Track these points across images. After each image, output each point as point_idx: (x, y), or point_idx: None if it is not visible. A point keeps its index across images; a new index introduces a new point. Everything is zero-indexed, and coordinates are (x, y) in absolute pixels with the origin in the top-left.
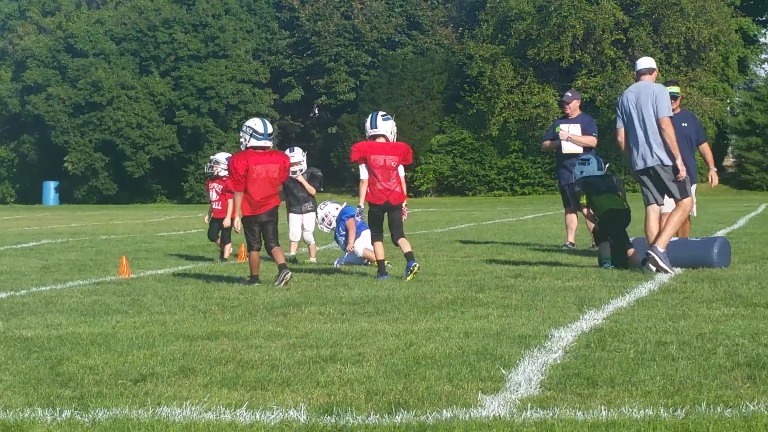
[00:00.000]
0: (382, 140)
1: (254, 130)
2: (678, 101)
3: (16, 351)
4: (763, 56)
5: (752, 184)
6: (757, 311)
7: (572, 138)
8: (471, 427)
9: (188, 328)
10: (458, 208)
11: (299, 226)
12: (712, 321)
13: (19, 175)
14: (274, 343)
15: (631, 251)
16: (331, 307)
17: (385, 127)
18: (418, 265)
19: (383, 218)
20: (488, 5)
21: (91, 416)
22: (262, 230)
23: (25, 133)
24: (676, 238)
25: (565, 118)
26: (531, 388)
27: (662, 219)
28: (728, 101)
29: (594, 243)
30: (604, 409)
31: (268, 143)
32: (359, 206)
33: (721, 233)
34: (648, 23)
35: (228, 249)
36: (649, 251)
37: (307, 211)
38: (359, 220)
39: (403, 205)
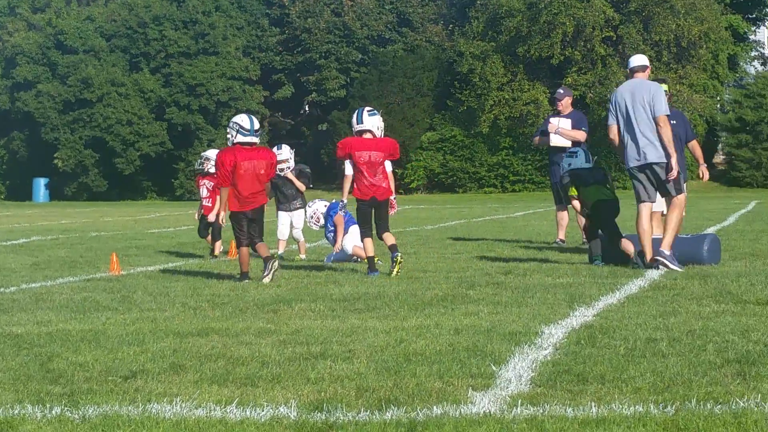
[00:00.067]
0: (368, 136)
1: (241, 126)
2: (667, 99)
3: (5, 348)
4: (753, 53)
5: (742, 181)
6: (747, 308)
7: (561, 131)
8: (461, 423)
9: (178, 324)
10: (449, 205)
11: (288, 225)
12: (702, 318)
13: (8, 171)
14: (264, 340)
15: (623, 241)
16: (322, 303)
17: (372, 122)
18: (400, 254)
19: (371, 214)
20: (478, 2)
21: (81, 413)
22: (248, 227)
23: (14, 129)
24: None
25: (557, 115)
26: (521, 384)
27: (653, 216)
28: (718, 99)
29: (585, 239)
30: (594, 406)
31: (255, 139)
32: (342, 200)
33: (711, 230)
34: (638, 20)
35: (218, 246)
36: (657, 257)
37: (296, 209)
38: (343, 213)
39: (392, 198)
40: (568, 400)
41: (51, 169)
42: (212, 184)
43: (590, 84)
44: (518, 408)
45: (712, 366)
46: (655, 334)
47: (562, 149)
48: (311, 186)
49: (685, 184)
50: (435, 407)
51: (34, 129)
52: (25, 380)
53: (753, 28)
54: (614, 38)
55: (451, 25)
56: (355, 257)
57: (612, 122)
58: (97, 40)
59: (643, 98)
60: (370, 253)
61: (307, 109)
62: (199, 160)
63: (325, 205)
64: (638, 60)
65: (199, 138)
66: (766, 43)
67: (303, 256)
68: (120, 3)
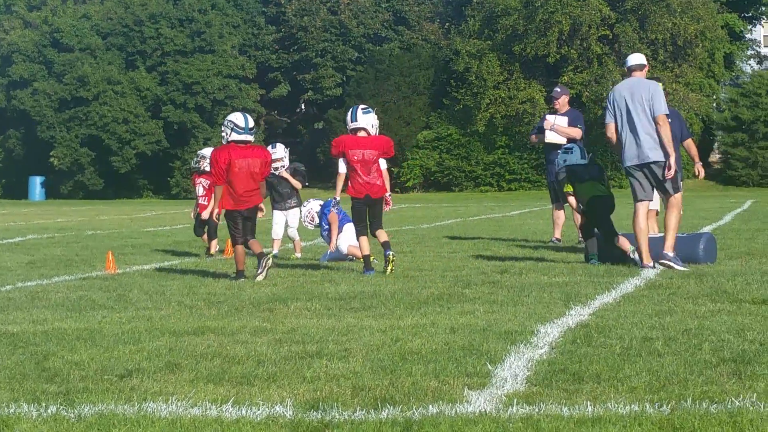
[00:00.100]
0: (363, 134)
1: (235, 125)
2: None
3: (1, 346)
4: (749, 52)
5: (738, 180)
6: (743, 307)
7: (556, 128)
8: (457, 422)
9: (174, 323)
10: (445, 204)
11: (282, 225)
12: (697, 317)
13: (4, 170)
14: (260, 339)
15: (619, 238)
16: (318, 302)
17: (366, 120)
18: (392, 252)
19: (366, 212)
20: (474, 1)
21: (76, 411)
22: (243, 226)
23: (10, 128)
24: (660, 234)
25: (554, 113)
26: (517, 383)
27: (649, 215)
28: (714, 97)
29: (581, 238)
30: (590, 405)
31: (250, 137)
32: (335, 198)
33: (707, 229)
34: (634, 19)
35: (214, 244)
36: (662, 260)
37: (291, 207)
38: (337, 210)
39: (387, 195)
40: (564, 399)
41: (47, 168)
42: (208, 182)
43: (586, 83)
44: (514, 407)
45: (707, 365)
46: (650, 333)
47: (558, 147)
48: (307, 184)
49: (681, 183)
50: (431, 406)
51: (30, 127)
52: (20, 379)
53: (749, 27)
54: (610, 37)
55: (447, 24)
56: (350, 256)
57: (609, 120)
58: (93, 38)
59: (642, 97)
60: (366, 252)
61: (303, 107)
62: (195, 159)
63: (320, 205)
64: (636, 59)
65: (195, 136)
66: (762, 42)
67: (299, 255)
68: (116, 1)
